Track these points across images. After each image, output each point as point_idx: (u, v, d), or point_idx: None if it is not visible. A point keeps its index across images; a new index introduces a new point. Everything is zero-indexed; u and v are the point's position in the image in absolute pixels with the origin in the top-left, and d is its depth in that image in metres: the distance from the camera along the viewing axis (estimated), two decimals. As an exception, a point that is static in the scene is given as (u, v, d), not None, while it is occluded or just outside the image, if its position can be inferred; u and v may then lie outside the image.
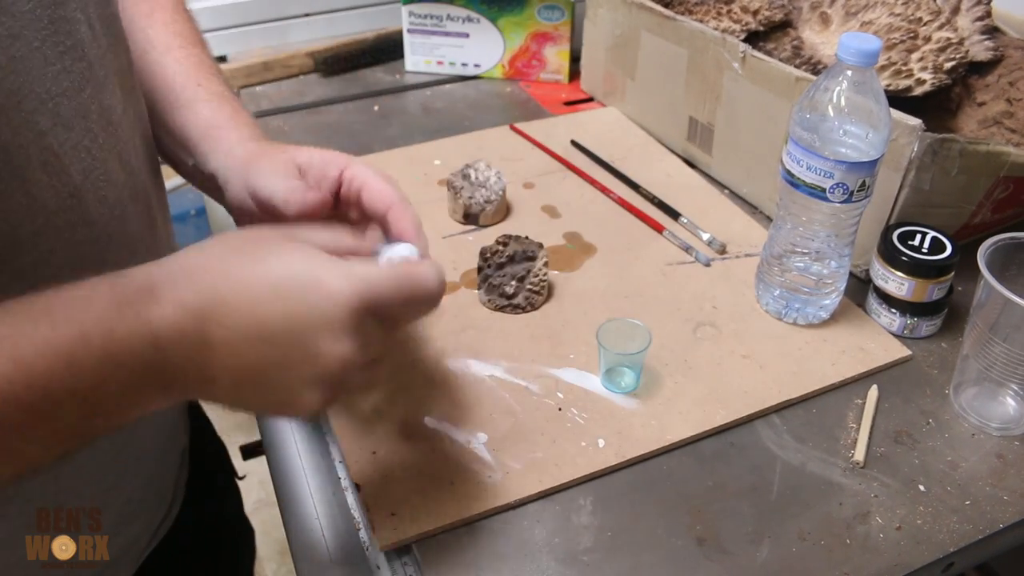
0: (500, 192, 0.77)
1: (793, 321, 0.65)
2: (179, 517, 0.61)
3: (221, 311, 0.35)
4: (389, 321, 0.39)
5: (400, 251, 0.43)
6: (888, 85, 0.73)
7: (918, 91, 0.73)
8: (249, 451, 0.75)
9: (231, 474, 0.78)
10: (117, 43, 0.47)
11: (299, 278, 0.36)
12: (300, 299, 0.35)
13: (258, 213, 0.48)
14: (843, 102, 0.57)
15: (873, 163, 0.57)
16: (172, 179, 0.67)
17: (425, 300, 0.40)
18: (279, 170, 0.48)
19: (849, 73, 0.56)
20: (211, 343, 0.35)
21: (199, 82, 0.56)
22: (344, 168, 0.49)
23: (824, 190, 0.58)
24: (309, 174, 0.49)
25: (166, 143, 0.57)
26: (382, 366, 0.41)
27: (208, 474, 0.69)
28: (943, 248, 0.62)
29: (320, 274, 0.36)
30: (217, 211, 0.84)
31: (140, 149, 0.50)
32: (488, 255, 0.67)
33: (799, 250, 0.63)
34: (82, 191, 0.42)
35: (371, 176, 0.48)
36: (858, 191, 0.58)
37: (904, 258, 0.62)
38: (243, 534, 0.81)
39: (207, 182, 0.54)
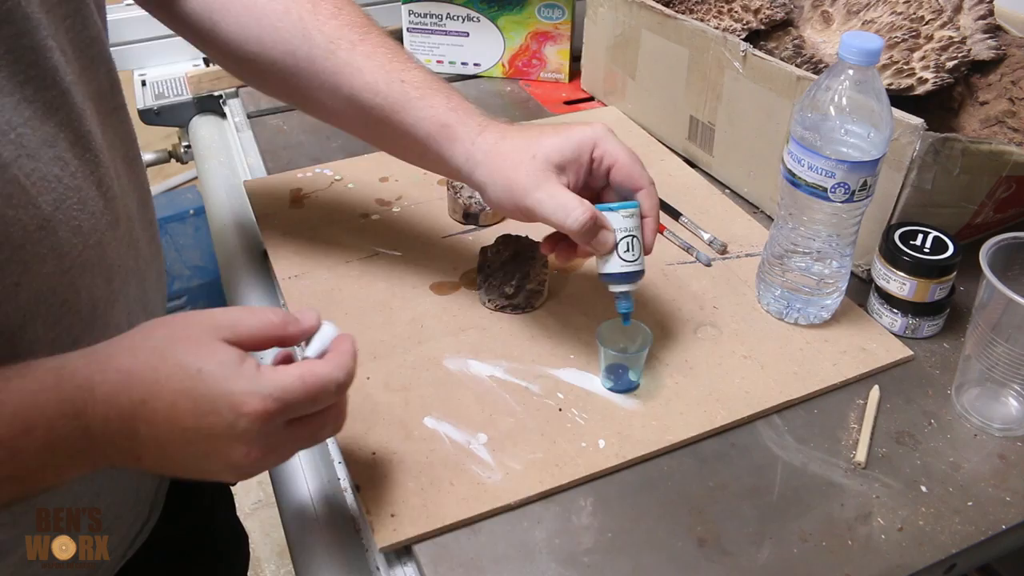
0: (500, 191, 0.76)
1: (794, 321, 0.65)
2: (163, 524, 0.61)
3: (150, 417, 0.39)
4: (297, 418, 0.42)
5: (322, 340, 0.46)
6: (890, 84, 0.73)
7: (920, 90, 0.73)
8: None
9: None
10: (94, 66, 0.47)
11: (216, 396, 0.39)
12: (215, 414, 0.39)
13: (523, 215, 0.54)
14: (845, 101, 0.57)
15: (875, 163, 0.57)
16: (172, 179, 0.67)
17: (330, 396, 0.42)
18: (540, 180, 0.52)
19: (851, 72, 0.56)
20: (139, 437, 0.39)
21: (402, 78, 0.57)
22: (594, 147, 0.53)
23: (825, 190, 0.58)
24: (568, 169, 0.53)
25: (384, 144, 0.61)
26: (311, 430, 0.44)
27: (197, 481, 0.69)
28: (945, 248, 0.62)
29: (235, 390, 0.39)
30: (216, 211, 0.84)
31: (123, 171, 0.50)
32: (488, 255, 0.67)
33: (800, 250, 0.63)
34: (53, 222, 0.41)
35: (622, 154, 0.53)
36: (859, 191, 0.58)
37: (906, 258, 0.62)
38: (235, 538, 0.80)
39: (449, 173, 0.59)
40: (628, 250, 0.54)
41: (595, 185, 0.56)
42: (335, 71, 0.57)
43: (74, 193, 0.43)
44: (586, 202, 0.52)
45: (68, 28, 0.44)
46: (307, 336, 0.44)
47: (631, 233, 0.54)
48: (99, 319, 0.46)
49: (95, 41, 0.47)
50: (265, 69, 0.60)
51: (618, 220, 0.54)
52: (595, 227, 0.52)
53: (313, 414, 0.42)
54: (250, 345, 0.42)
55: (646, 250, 0.56)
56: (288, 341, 0.44)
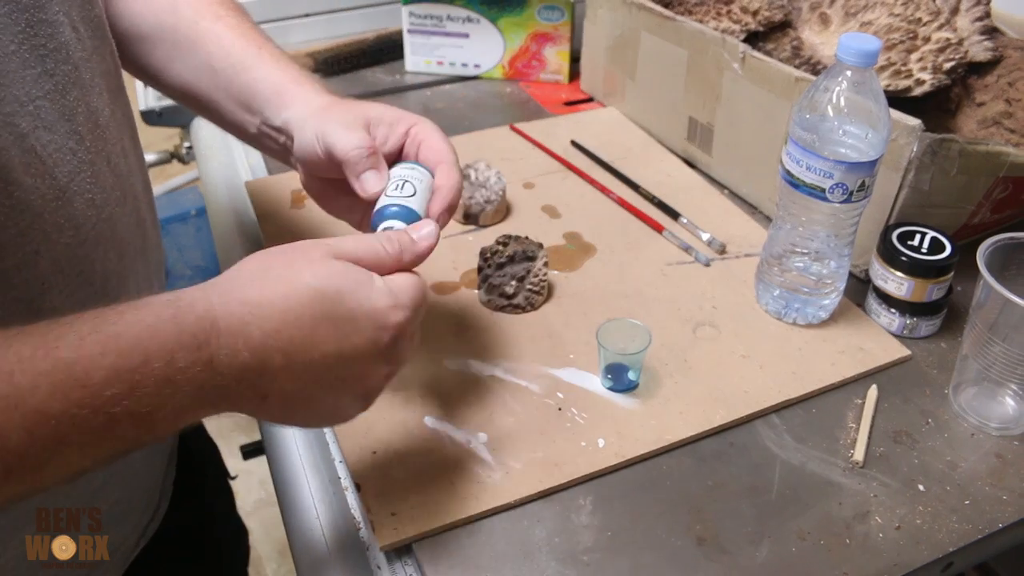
0: (500, 192, 0.77)
1: (793, 321, 0.65)
2: (168, 518, 0.61)
3: (285, 347, 0.38)
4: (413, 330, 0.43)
5: (395, 222, 0.47)
6: (887, 85, 0.73)
7: (917, 91, 0.73)
8: (249, 451, 0.75)
9: (223, 475, 0.78)
10: (103, 45, 0.47)
11: (359, 315, 0.39)
12: (358, 333, 0.39)
13: (323, 161, 0.52)
14: (843, 102, 0.57)
15: (872, 163, 0.57)
16: (174, 179, 0.67)
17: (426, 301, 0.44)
18: (349, 123, 0.51)
19: (849, 73, 0.56)
20: (270, 371, 0.38)
21: (259, 45, 0.58)
22: (411, 126, 0.53)
23: (824, 190, 0.58)
24: (378, 129, 0.52)
25: (226, 108, 0.59)
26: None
27: (198, 475, 0.69)
28: (942, 248, 0.62)
29: (378, 306, 0.40)
30: (218, 211, 0.84)
31: (129, 151, 0.50)
32: (488, 255, 0.67)
33: (799, 250, 0.63)
34: (68, 193, 0.42)
35: (432, 134, 0.53)
36: (857, 191, 0.58)
37: (903, 258, 0.62)
38: (235, 534, 0.80)
39: (271, 139, 0.57)
40: (397, 189, 0.50)
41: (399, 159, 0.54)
42: (195, 39, 0.58)
43: (87, 167, 0.44)
44: (373, 143, 0.51)
45: (79, 6, 0.45)
46: (421, 261, 0.45)
47: (407, 180, 0.50)
48: (111, 292, 0.47)
49: (100, 21, 0.48)
50: (130, 43, 0.60)
51: (397, 169, 0.51)
52: (368, 160, 0.50)
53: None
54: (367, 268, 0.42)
55: (431, 214, 0.50)
56: (403, 269, 0.44)
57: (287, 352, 0.37)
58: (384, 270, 0.42)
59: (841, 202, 0.58)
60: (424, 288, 0.43)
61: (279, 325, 0.37)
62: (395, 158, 0.53)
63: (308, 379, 0.39)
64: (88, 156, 0.44)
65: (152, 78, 0.62)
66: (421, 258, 0.44)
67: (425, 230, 0.45)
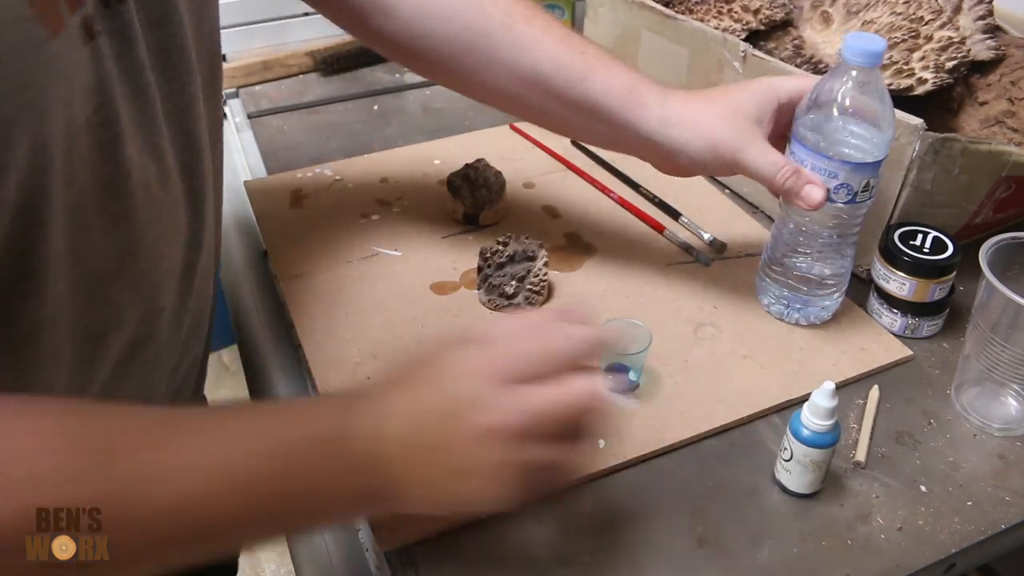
0: (500, 192, 0.77)
1: (795, 322, 0.65)
2: None
3: (393, 418, 0.39)
4: (534, 377, 0.39)
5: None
6: (889, 84, 0.73)
7: (919, 90, 0.73)
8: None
9: None
10: (207, 57, 0.49)
11: (449, 373, 0.40)
12: (454, 393, 0.39)
13: (721, 167, 0.58)
14: (848, 102, 0.56)
15: (877, 164, 0.57)
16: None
17: (563, 356, 0.40)
18: (752, 143, 0.56)
19: (854, 73, 0.56)
20: (391, 468, 0.39)
21: (582, 51, 0.59)
22: (779, 94, 0.58)
23: (828, 191, 0.58)
24: (763, 121, 0.57)
25: (559, 115, 0.61)
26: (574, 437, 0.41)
27: None
28: (945, 248, 0.62)
29: (466, 362, 0.40)
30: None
31: (208, 160, 0.53)
32: (488, 255, 0.67)
33: (801, 250, 0.63)
34: (180, 202, 0.47)
35: (802, 84, 0.58)
36: (862, 192, 0.58)
37: (906, 258, 0.62)
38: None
39: (626, 145, 0.61)
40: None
41: (785, 127, 0.60)
42: (514, 44, 0.58)
43: (198, 179, 0.48)
44: (789, 160, 0.57)
45: (198, 20, 0.47)
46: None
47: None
48: (204, 290, 0.53)
49: (213, 30, 0.50)
50: (437, 48, 0.60)
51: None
52: (795, 178, 0.56)
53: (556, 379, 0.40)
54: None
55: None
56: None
57: (392, 420, 0.39)
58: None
59: (845, 203, 0.58)
60: (546, 347, 0.40)
61: (384, 402, 0.40)
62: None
63: (418, 449, 0.39)
64: (199, 168, 0.48)
65: (467, 88, 0.64)
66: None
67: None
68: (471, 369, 0.39)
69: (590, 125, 0.60)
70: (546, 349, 0.40)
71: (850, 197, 0.58)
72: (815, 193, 0.56)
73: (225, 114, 1.02)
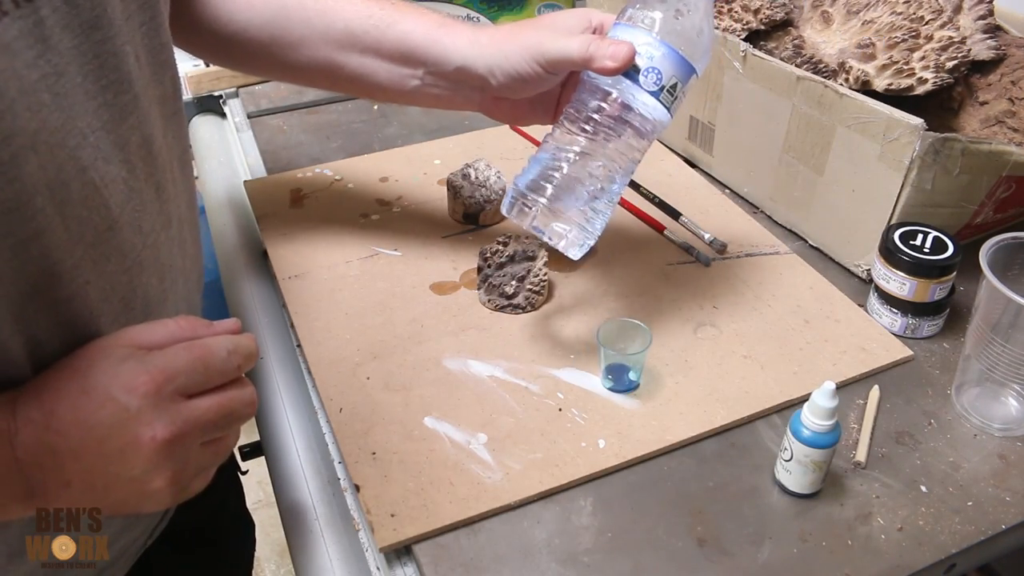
0: (500, 192, 0.77)
1: (549, 239, 0.55)
2: (177, 516, 0.61)
3: (59, 425, 0.39)
4: (194, 391, 0.42)
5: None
6: (890, 84, 0.73)
7: (920, 90, 0.73)
8: (248, 452, 0.75)
9: (235, 469, 0.78)
10: (162, 70, 0.48)
11: (108, 383, 0.40)
12: (111, 400, 0.39)
13: (543, 78, 0.56)
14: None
15: (689, 70, 0.54)
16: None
17: (220, 363, 0.42)
18: (557, 35, 0.55)
19: None
20: (58, 453, 0.39)
21: (392, 1, 0.60)
22: (590, 18, 0.56)
23: (639, 71, 0.53)
24: (574, 32, 0.55)
25: (379, 71, 0.61)
26: (224, 440, 0.44)
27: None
28: (945, 248, 0.62)
29: (121, 371, 0.40)
30: (216, 211, 0.84)
31: (177, 173, 0.51)
32: (488, 255, 0.67)
33: (576, 149, 0.55)
34: (119, 223, 0.43)
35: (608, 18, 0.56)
36: (667, 90, 0.54)
37: (906, 258, 0.62)
38: (244, 526, 0.81)
39: (438, 88, 0.60)
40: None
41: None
42: (324, 10, 0.60)
43: (137, 195, 0.44)
44: (588, 34, 0.55)
45: (143, 34, 0.45)
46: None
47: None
48: (151, 315, 0.47)
49: (165, 47, 0.48)
50: (257, 37, 0.62)
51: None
52: (604, 45, 0.53)
53: (216, 389, 0.42)
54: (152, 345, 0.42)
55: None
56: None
57: (61, 431, 0.39)
58: (169, 341, 0.43)
59: (650, 91, 0.53)
60: (187, 350, 0.42)
61: (51, 406, 0.39)
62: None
63: (89, 456, 0.39)
64: (137, 184, 0.44)
65: (280, 70, 0.64)
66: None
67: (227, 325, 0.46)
68: (137, 384, 0.40)
69: (411, 74, 0.60)
70: (204, 362, 0.42)
71: (656, 88, 0.53)
72: (621, 49, 0.52)
73: (225, 114, 1.02)
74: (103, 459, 0.40)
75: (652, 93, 0.54)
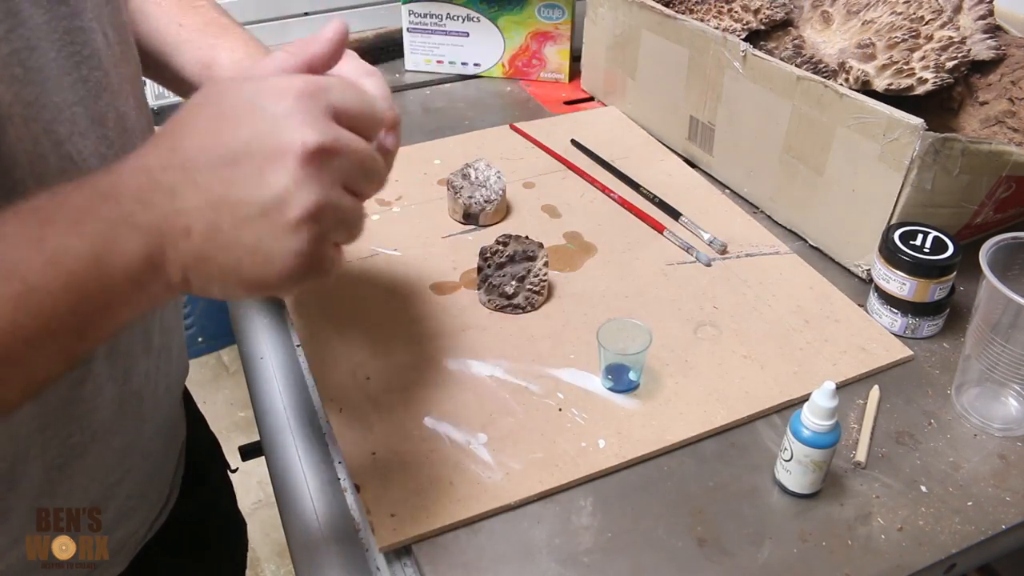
0: (500, 192, 0.77)
1: None
2: (173, 511, 0.61)
3: (180, 160, 0.34)
4: (343, 121, 0.36)
5: None
6: (890, 84, 0.73)
7: (920, 90, 0.73)
8: (248, 452, 0.75)
9: (224, 467, 0.78)
10: (128, 50, 0.48)
11: (254, 92, 0.35)
12: (250, 110, 0.34)
13: None
14: None
15: None
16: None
17: (374, 112, 0.37)
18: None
19: None
20: (176, 188, 0.33)
21: (180, 22, 0.58)
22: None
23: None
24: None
25: (168, 82, 0.59)
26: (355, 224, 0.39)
27: (203, 467, 0.69)
28: (945, 248, 0.62)
29: (269, 80, 0.35)
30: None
31: None
32: (488, 255, 0.67)
33: None
34: None
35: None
36: None
37: (906, 258, 0.62)
38: (235, 526, 0.81)
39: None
40: None
41: None
42: (131, 23, 0.58)
43: None
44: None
45: (109, 12, 0.45)
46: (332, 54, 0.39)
47: None
48: None
49: (126, 27, 0.48)
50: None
51: None
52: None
53: (357, 118, 0.37)
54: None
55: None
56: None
57: (184, 165, 0.33)
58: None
59: None
60: (357, 87, 0.37)
61: (173, 143, 0.34)
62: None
63: (222, 183, 0.33)
64: (116, 160, 0.44)
65: None
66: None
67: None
68: (290, 87, 0.34)
69: (187, 93, 0.59)
70: (365, 99, 0.37)
71: None
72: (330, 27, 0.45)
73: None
74: (237, 185, 0.33)
75: None
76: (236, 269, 0.35)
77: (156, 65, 0.58)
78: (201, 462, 0.70)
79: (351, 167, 0.36)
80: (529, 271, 0.66)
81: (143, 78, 0.53)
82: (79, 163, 0.41)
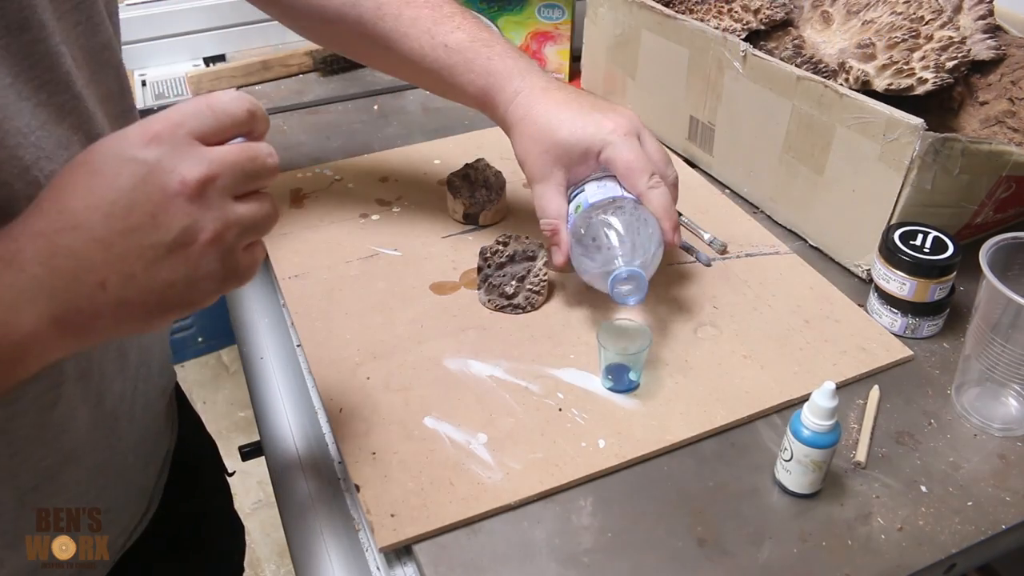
0: (500, 192, 0.77)
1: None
2: (160, 516, 0.61)
3: (68, 220, 0.35)
4: (210, 140, 0.37)
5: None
6: (890, 84, 0.73)
7: (920, 90, 0.73)
8: (248, 452, 0.75)
9: (220, 471, 0.78)
10: (104, 70, 0.47)
11: (110, 155, 0.36)
12: (121, 163, 0.35)
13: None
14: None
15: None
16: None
17: (230, 122, 0.38)
18: (543, 181, 0.62)
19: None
20: (77, 250, 0.34)
21: (445, 42, 0.63)
22: (600, 152, 0.60)
23: (567, 262, 0.62)
24: (573, 168, 0.62)
25: (448, 96, 0.67)
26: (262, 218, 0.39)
27: (193, 475, 0.69)
28: (945, 248, 0.62)
29: (124, 137, 0.36)
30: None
31: None
32: (488, 255, 0.67)
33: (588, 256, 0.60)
34: None
35: (622, 164, 0.60)
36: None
37: (906, 258, 0.62)
38: (232, 531, 0.80)
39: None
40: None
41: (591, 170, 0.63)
42: (384, 36, 0.64)
43: None
44: (557, 217, 0.62)
45: (79, 35, 0.45)
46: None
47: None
48: None
49: (105, 47, 0.47)
50: (330, 30, 0.67)
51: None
52: (552, 239, 0.63)
53: (245, 180, 0.38)
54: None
55: (666, 242, 0.60)
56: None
57: (78, 224, 0.34)
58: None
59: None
60: (205, 103, 0.37)
61: (58, 204, 0.35)
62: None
63: (121, 237, 0.34)
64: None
65: (367, 63, 0.73)
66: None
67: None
68: (145, 134, 0.36)
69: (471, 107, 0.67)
70: (215, 110, 0.38)
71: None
72: (556, 256, 0.62)
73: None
74: (136, 233, 0.35)
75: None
76: (160, 303, 0.37)
77: (431, 83, 0.66)
78: (195, 465, 0.69)
79: (235, 179, 0.37)
80: (529, 271, 0.66)
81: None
82: (46, 187, 0.40)
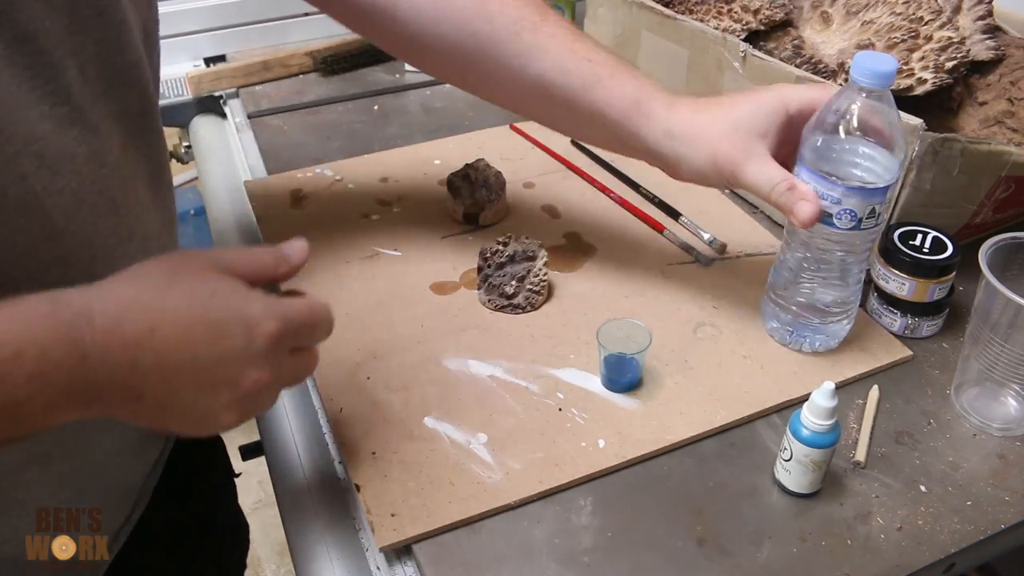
0: (500, 192, 0.77)
1: (799, 349, 0.63)
2: (148, 520, 0.61)
3: (158, 346, 0.37)
4: (297, 345, 0.43)
5: None
6: (889, 84, 0.73)
7: (919, 90, 0.73)
8: (248, 451, 0.75)
9: (225, 471, 0.78)
10: (125, 89, 0.47)
11: (231, 318, 0.39)
12: (230, 337, 0.39)
13: (721, 182, 0.58)
14: (855, 124, 0.54)
15: (885, 189, 0.55)
16: (173, 179, 0.66)
17: (326, 326, 0.44)
18: (751, 158, 0.56)
19: (863, 95, 0.53)
20: (141, 370, 0.37)
21: (589, 58, 0.59)
22: (787, 106, 0.56)
23: (831, 216, 0.55)
24: (769, 134, 0.56)
25: (566, 122, 0.63)
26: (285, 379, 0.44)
27: (198, 471, 0.69)
28: (944, 248, 0.62)
29: (250, 312, 0.40)
30: (217, 211, 0.84)
31: (143, 191, 0.50)
32: (488, 255, 0.67)
33: (805, 277, 0.60)
34: (64, 235, 0.42)
35: (811, 97, 0.56)
36: (867, 218, 0.55)
37: (905, 258, 0.62)
38: (238, 529, 0.80)
39: (639, 150, 0.60)
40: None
41: (795, 138, 0.58)
42: (520, 53, 0.59)
43: (88, 208, 0.44)
44: (787, 174, 0.56)
45: (100, 51, 0.44)
46: (295, 272, 0.45)
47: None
48: None
49: (133, 67, 0.47)
50: (445, 52, 0.61)
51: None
52: (791, 194, 0.55)
53: (308, 339, 0.44)
54: (245, 280, 0.42)
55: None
56: (279, 279, 0.44)
57: (159, 352, 0.37)
58: (261, 279, 0.43)
59: (849, 229, 0.55)
60: (309, 309, 0.43)
61: (153, 324, 0.37)
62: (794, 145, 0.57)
63: (180, 381, 0.39)
64: (89, 198, 0.44)
65: (477, 89, 0.65)
66: (292, 269, 0.45)
67: (296, 245, 0.45)
68: (267, 331, 0.40)
69: (598, 132, 0.61)
70: (312, 325, 0.43)
71: (854, 224, 0.55)
72: (804, 209, 0.54)
73: (225, 114, 1.02)
74: (195, 388, 0.39)
75: (849, 230, 0.56)
76: (167, 426, 0.41)
77: (563, 102, 0.60)
78: (197, 465, 0.69)
79: (298, 338, 0.43)
80: (529, 271, 0.66)
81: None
82: (44, 199, 0.41)
